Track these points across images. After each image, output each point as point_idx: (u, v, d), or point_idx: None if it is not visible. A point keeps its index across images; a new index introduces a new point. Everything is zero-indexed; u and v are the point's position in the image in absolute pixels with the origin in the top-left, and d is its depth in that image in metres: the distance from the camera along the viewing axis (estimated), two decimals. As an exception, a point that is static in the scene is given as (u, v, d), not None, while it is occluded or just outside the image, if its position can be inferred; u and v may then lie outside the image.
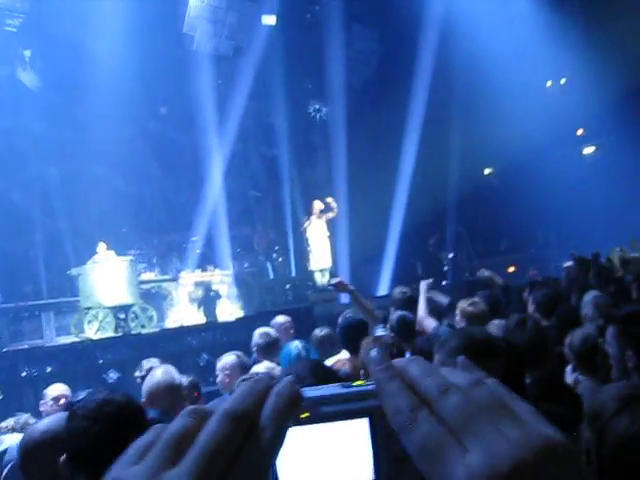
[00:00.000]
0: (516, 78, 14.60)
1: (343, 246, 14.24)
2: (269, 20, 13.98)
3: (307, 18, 14.67)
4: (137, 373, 4.56)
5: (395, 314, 4.63)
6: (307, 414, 0.47)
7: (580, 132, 17.25)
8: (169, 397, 3.12)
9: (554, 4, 14.14)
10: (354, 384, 0.49)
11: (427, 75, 14.74)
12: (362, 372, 2.80)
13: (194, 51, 13.48)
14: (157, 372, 3.27)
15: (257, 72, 15.13)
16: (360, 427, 0.48)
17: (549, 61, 15.32)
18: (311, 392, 0.48)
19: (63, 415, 2.08)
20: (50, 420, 2.19)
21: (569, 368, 3.67)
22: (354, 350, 3.93)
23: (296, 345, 4.21)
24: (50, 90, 13.07)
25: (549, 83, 17.52)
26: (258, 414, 0.44)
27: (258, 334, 4.99)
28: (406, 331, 4.38)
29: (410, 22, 14.47)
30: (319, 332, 4.99)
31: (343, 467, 0.49)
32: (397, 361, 0.47)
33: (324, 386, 0.49)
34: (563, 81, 17.15)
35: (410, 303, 4.98)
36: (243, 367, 4.31)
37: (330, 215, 12.55)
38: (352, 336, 4.24)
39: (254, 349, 4.98)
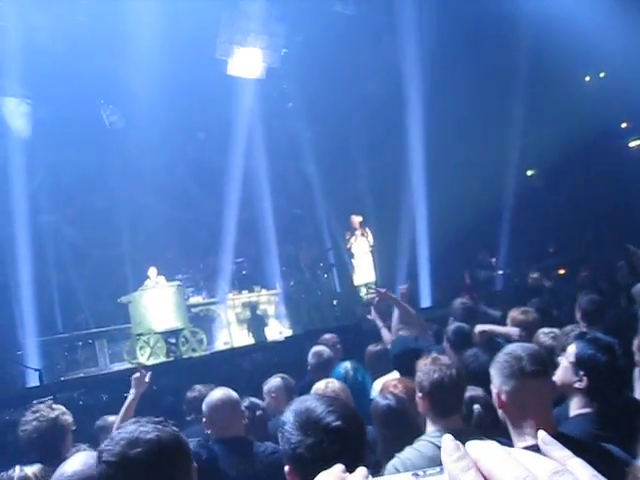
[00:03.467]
0: (554, 75, 14.28)
1: (386, 257, 14.08)
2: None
3: (336, 33, 14.65)
4: (189, 393, 4.74)
5: (452, 324, 4.57)
6: None
7: (624, 125, 16.75)
8: (228, 414, 3.24)
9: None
10: (428, 472, 0.46)
11: (464, 79, 14.51)
12: (419, 395, 2.66)
13: (228, 75, 13.64)
14: (215, 392, 3.39)
15: (291, 90, 15.24)
16: None
17: (587, 54, 14.89)
18: None
19: (90, 455, 1.95)
20: (76, 462, 2.03)
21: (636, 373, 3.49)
22: (406, 371, 3.86)
23: (345, 366, 4.25)
24: (91, 122, 13.42)
25: (587, 78, 17.10)
26: None
27: (311, 354, 5.06)
28: (461, 342, 4.29)
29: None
30: (374, 348, 4.97)
31: None
32: (471, 447, 0.44)
33: (394, 476, 0.47)
34: (602, 75, 16.72)
35: (471, 314, 4.94)
36: (288, 389, 4.43)
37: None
38: (405, 360, 4.19)
39: (309, 368, 5.06)
